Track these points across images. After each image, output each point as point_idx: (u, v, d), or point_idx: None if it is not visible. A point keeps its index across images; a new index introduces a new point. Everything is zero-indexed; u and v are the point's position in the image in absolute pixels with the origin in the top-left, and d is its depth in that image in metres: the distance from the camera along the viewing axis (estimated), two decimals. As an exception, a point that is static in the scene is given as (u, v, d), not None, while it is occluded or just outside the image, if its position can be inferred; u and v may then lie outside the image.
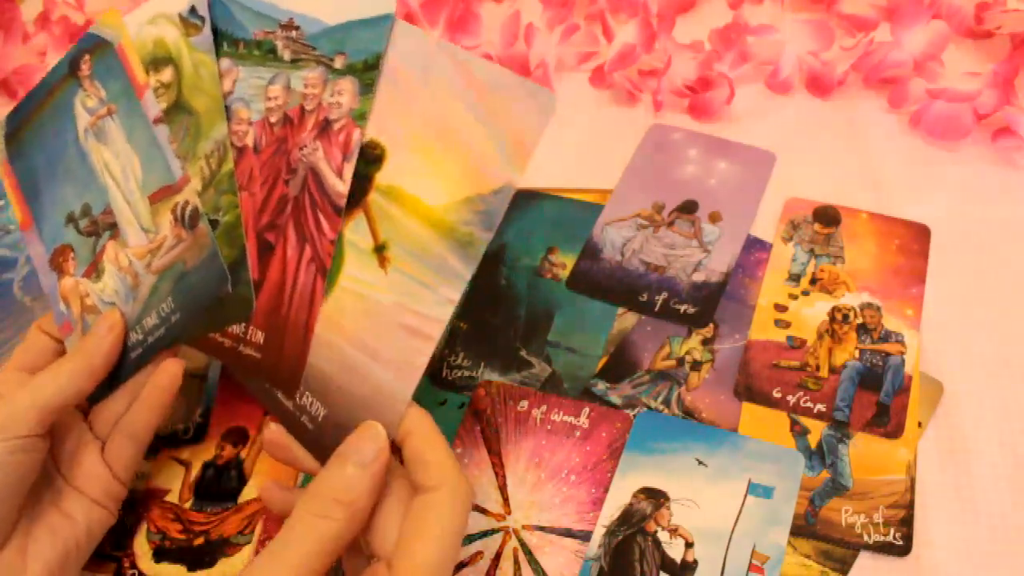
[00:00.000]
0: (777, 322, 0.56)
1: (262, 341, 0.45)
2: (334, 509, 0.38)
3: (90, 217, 0.51)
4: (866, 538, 0.48)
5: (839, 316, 0.56)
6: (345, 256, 0.43)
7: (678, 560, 0.47)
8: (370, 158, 0.43)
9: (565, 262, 0.61)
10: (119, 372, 0.48)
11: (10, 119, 0.55)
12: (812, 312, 0.56)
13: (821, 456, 0.50)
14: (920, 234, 0.59)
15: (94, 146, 0.51)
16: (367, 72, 0.44)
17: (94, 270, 0.50)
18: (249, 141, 0.47)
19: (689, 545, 0.48)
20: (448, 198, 0.41)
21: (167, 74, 0.50)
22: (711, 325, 0.57)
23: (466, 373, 0.56)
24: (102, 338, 0.47)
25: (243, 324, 0.45)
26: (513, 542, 0.49)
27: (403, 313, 0.41)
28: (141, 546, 0.52)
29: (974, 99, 0.62)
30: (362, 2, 0.45)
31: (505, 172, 0.40)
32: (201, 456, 0.55)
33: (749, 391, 0.53)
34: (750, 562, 0.47)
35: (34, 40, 0.83)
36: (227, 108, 0.48)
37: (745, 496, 0.49)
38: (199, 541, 0.52)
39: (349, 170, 0.43)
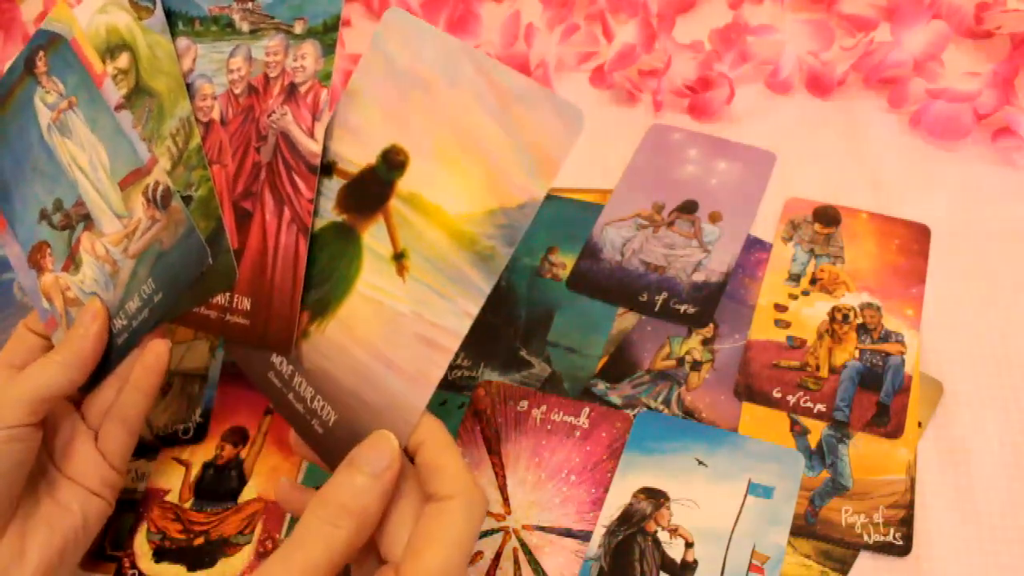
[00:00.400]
0: (777, 322, 0.56)
1: (249, 307, 0.46)
2: (343, 517, 0.37)
3: (62, 211, 0.51)
4: (866, 538, 0.48)
5: (839, 316, 0.56)
6: (363, 261, 0.43)
7: (678, 560, 0.47)
8: (393, 164, 0.42)
9: (565, 262, 0.61)
10: (108, 360, 0.49)
11: None
12: (812, 312, 0.56)
13: (821, 456, 0.50)
14: (920, 234, 0.59)
15: (59, 141, 0.51)
16: (327, 34, 0.46)
17: (72, 262, 0.50)
18: (215, 115, 0.48)
19: (689, 545, 0.48)
20: (470, 209, 0.40)
21: (123, 60, 0.50)
22: (711, 325, 0.57)
23: (466, 373, 0.56)
24: (87, 327, 0.47)
25: (228, 294, 0.46)
26: (513, 542, 0.49)
27: (420, 323, 0.41)
28: (141, 546, 0.52)
29: (974, 99, 0.62)
30: None
31: (530, 187, 0.39)
32: (201, 456, 0.55)
33: (749, 391, 0.53)
34: (750, 562, 0.47)
35: (34, 40, 0.83)
36: (189, 86, 0.48)
37: (745, 496, 0.49)
38: (199, 541, 0.52)
39: (320, 129, 0.44)
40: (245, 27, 0.48)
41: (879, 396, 0.52)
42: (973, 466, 0.50)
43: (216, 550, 0.51)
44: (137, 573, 0.51)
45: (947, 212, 0.60)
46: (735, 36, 0.68)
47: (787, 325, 0.56)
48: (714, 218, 0.62)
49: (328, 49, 0.45)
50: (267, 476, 0.54)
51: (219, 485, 0.54)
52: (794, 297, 0.57)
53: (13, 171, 0.53)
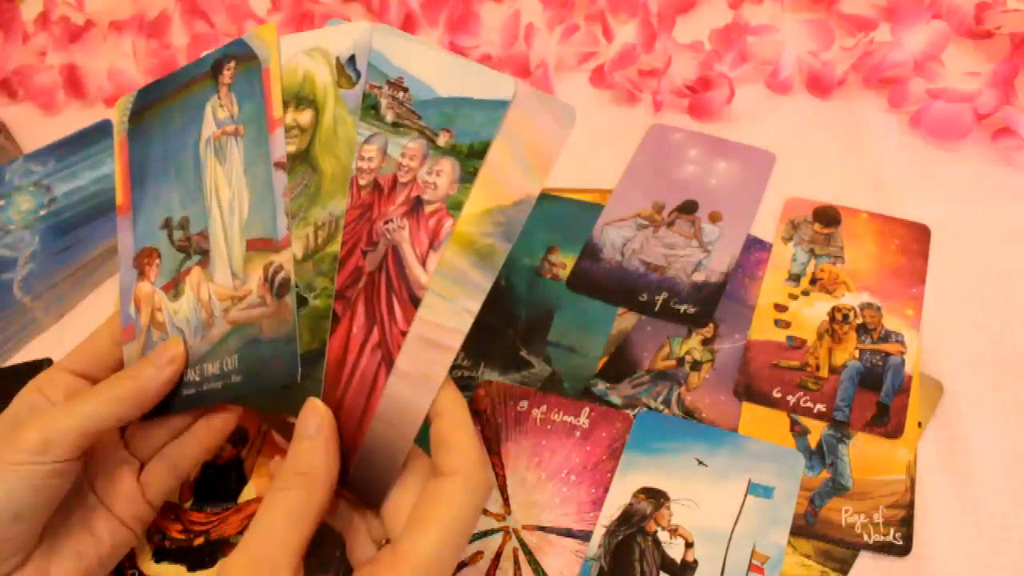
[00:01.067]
0: (777, 322, 0.56)
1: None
2: (294, 480, 0.39)
3: (186, 232, 0.48)
4: (866, 538, 0.48)
5: (839, 316, 0.56)
6: None
7: (678, 560, 0.47)
8: None
9: (565, 262, 0.61)
10: (168, 403, 0.46)
11: (141, 95, 0.52)
12: (812, 312, 0.56)
13: (821, 456, 0.50)
14: (920, 234, 0.59)
15: (211, 161, 0.48)
16: (471, 159, 0.42)
17: (173, 287, 0.48)
18: None
19: (689, 545, 0.48)
20: (468, 210, 0.41)
21: (305, 117, 0.46)
22: (711, 325, 0.57)
23: (466, 373, 0.56)
24: (159, 370, 0.45)
25: None
26: (513, 542, 0.49)
27: (421, 324, 0.41)
28: (141, 546, 0.52)
29: (974, 99, 0.62)
30: (481, 81, 0.43)
31: (525, 184, 0.40)
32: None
33: (749, 391, 0.53)
34: (750, 562, 0.47)
35: (34, 40, 0.83)
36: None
37: (745, 496, 0.49)
38: (199, 541, 0.52)
39: (434, 261, 0.41)
40: (389, 116, 0.44)
41: (879, 396, 0.52)
42: (973, 466, 0.50)
43: (216, 550, 0.51)
44: (137, 573, 0.51)
45: (947, 212, 0.60)
46: (735, 36, 0.68)
47: (787, 325, 0.56)
48: (714, 218, 0.62)
49: (467, 176, 0.42)
50: (267, 476, 0.54)
51: (219, 485, 0.54)
52: (794, 297, 0.57)
53: (159, 163, 0.50)
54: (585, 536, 0.49)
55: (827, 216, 0.61)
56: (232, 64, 0.48)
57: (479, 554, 0.49)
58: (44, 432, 0.41)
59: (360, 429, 0.42)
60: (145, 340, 0.47)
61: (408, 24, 0.77)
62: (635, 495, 0.50)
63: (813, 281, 0.57)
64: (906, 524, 0.48)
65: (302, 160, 0.45)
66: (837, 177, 0.63)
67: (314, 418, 0.41)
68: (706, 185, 0.64)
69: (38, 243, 0.66)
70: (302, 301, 0.43)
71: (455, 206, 0.42)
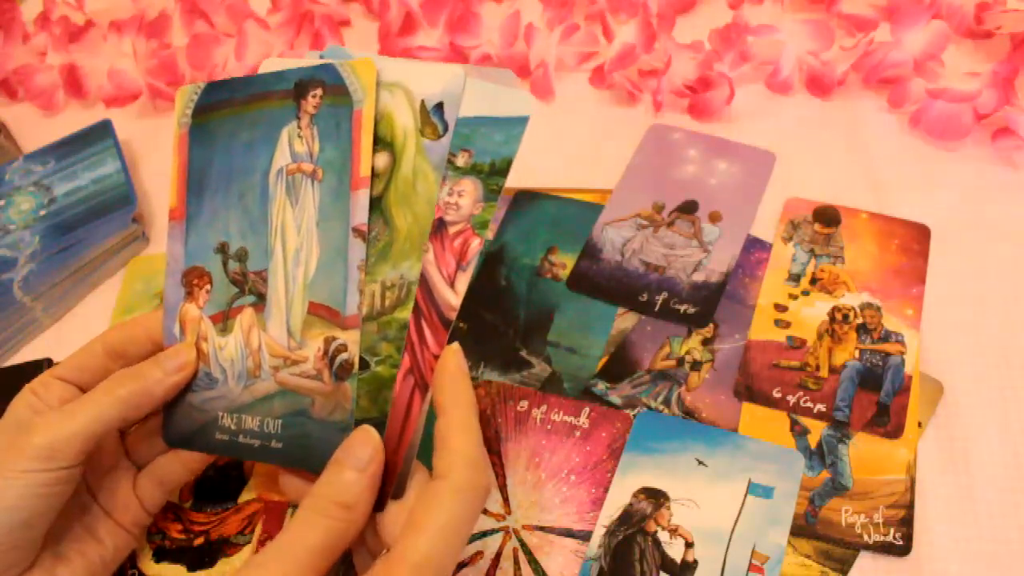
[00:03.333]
0: (777, 322, 0.56)
1: None
2: (334, 511, 0.38)
3: (243, 266, 0.45)
4: (866, 538, 0.48)
5: (839, 316, 0.56)
6: None
7: (678, 560, 0.47)
8: None
9: (565, 262, 0.61)
10: (195, 437, 0.45)
11: (210, 90, 0.47)
12: (812, 312, 0.56)
13: (821, 456, 0.50)
14: (920, 234, 0.59)
15: (280, 197, 0.44)
16: (492, 177, 0.41)
17: (223, 320, 0.45)
18: None
19: (689, 545, 0.48)
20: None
21: (380, 160, 0.42)
22: (711, 325, 0.57)
23: (466, 373, 0.56)
24: (166, 375, 0.44)
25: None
26: (513, 542, 0.49)
27: None
28: (141, 546, 0.52)
29: (974, 99, 0.62)
30: (500, 99, 0.41)
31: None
32: (201, 456, 0.55)
33: (749, 391, 0.53)
34: (750, 562, 0.47)
35: (34, 40, 0.83)
36: None
37: (745, 496, 0.49)
38: (199, 541, 0.52)
39: (463, 282, 0.41)
40: None
41: (879, 396, 0.52)
42: (973, 466, 0.50)
43: (216, 550, 0.51)
44: (137, 573, 0.51)
45: (947, 212, 0.60)
46: (735, 36, 0.68)
47: (787, 325, 0.56)
48: (714, 218, 0.62)
49: (490, 195, 0.41)
50: (267, 476, 0.54)
51: (219, 485, 0.54)
52: (794, 297, 0.57)
53: (221, 177, 0.46)
54: (585, 536, 0.49)
55: (827, 216, 0.61)
56: (319, 92, 0.44)
57: (479, 554, 0.49)
58: (49, 438, 0.40)
59: (397, 455, 0.40)
60: None
61: (408, 24, 0.77)
62: (635, 495, 0.50)
63: (813, 281, 0.57)
64: (906, 524, 0.48)
65: (373, 208, 0.42)
66: (837, 177, 0.63)
67: (366, 450, 0.39)
68: (706, 185, 0.64)
69: (38, 243, 0.66)
70: (363, 364, 0.41)
71: (481, 225, 0.41)
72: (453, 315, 0.40)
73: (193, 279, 0.46)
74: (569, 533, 0.49)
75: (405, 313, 0.41)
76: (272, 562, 0.37)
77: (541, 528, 0.49)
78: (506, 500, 0.51)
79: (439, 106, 0.41)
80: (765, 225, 0.61)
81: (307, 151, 0.44)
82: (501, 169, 0.41)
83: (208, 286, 0.46)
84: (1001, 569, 0.46)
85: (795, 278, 0.58)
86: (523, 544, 0.49)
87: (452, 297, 0.40)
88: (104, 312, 0.65)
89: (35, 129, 0.79)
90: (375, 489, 0.39)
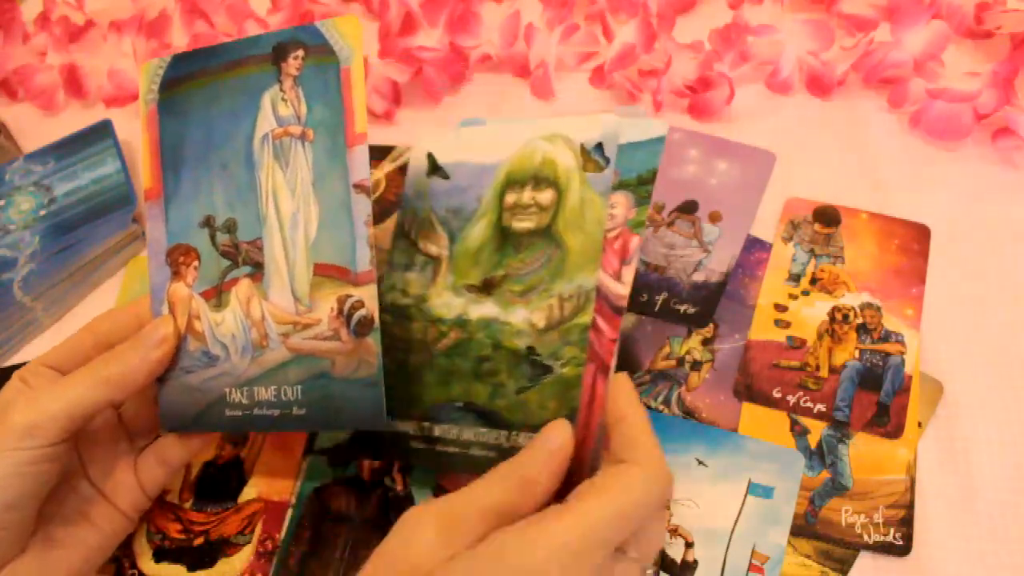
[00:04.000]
0: (777, 322, 0.56)
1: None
2: (516, 480, 0.39)
3: (232, 236, 0.45)
4: (866, 538, 0.48)
5: (839, 316, 0.56)
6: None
7: (678, 560, 0.47)
8: None
9: (565, 262, 0.61)
10: (199, 418, 0.45)
11: (177, 63, 0.47)
12: (812, 312, 0.56)
13: (821, 456, 0.50)
14: (920, 234, 0.59)
15: (268, 163, 0.44)
16: (641, 186, 0.46)
17: (216, 295, 0.45)
18: None
19: (689, 545, 0.47)
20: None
21: (546, 196, 0.47)
22: (711, 325, 0.57)
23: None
24: (147, 351, 0.44)
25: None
26: (513, 542, 0.49)
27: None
28: (141, 546, 0.52)
29: (974, 99, 0.62)
30: (638, 127, 0.47)
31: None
32: (201, 456, 0.55)
33: (749, 391, 0.53)
34: (750, 562, 0.47)
35: (34, 40, 0.83)
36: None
37: (745, 496, 0.49)
38: (199, 541, 0.52)
39: (628, 273, 0.44)
40: None
41: (879, 396, 0.52)
42: (973, 466, 0.50)
43: (216, 550, 0.51)
44: (137, 573, 0.51)
45: (947, 212, 0.60)
46: (735, 36, 0.68)
47: (787, 325, 0.56)
48: (714, 218, 0.62)
49: (641, 200, 0.45)
50: (267, 476, 0.54)
51: (219, 485, 0.54)
52: (794, 297, 0.57)
53: (199, 149, 0.45)
54: (585, 536, 0.49)
55: (827, 216, 0.61)
56: (300, 53, 0.44)
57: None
58: (29, 415, 0.40)
59: (587, 435, 0.42)
60: (180, 348, 0.46)
61: (408, 24, 0.77)
62: (635, 495, 0.50)
63: (813, 281, 0.57)
64: (906, 524, 0.48)
65: (542, 236, 0.46)
66: (837, 177, 0.63)
67: (558, 436, 0.40)
68: (706, 185, 0.64)
69: (38, 243, 0.66)
70: (546, 369, 0.44)
71: (637, 225, 0.45)
72: (623, 303, 0.44)
73: (178, 257, 0.46)
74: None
75: (585, 318, 0.44)
76: (441, 510, 0.37)
77: (541, 528, 0.49)
78: (506, 500, 0.50)
79: (599, 146, 0.47)
80: (765, 225, 0.61)
81: (293, 113, 0.44)
82: (647, 179, 0.46)
83: (196, 262, 0.46)
84: (1001, 569, 0.46)
85: (795, 278, 0.58)
86: (523, 544, 0.49)
87: (620, 288, 0.44)
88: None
89: (35, 129, 0.79)
90: (559, 474, 0.40)
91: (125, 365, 0.43)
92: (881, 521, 0.48)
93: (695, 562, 0.47)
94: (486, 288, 0.48)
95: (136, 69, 0.77)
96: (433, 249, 0.50)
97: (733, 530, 0.48)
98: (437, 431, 0.47)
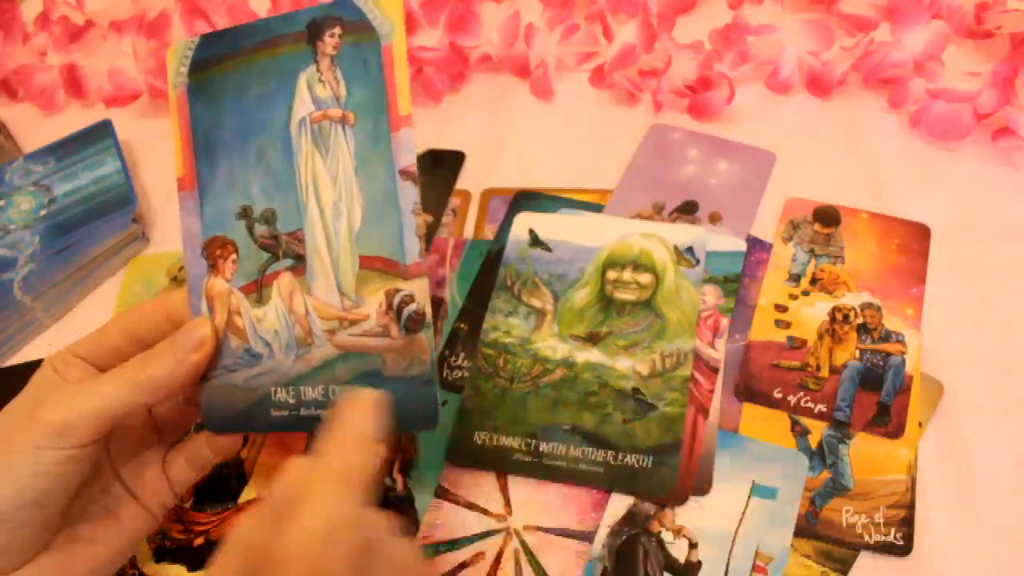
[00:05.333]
0: (777, 322, 0.56)
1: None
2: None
3: (272, 228, 0.43)
4: (867, 538, 0.48)
5: (839, 316, 0.56)
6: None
7: (682, 560, 0.47)
8: None
9: (566, 262, 0.61)
10: (244, 419, 0.43)
11: (206, 43, 0.44)
12: (812, 312, 0.56)
13: (822, 456, 0.50)
14: (920, 234, 0.59)
15: (307, 150, 0.42)
16: (728, 284, 0.56)
17: (256, 290, 0.43)
18: None
19: (693, 545, 0.48)
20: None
21: (645, 278, 0.55)
22: (712, 325, 0.57)
23: (466, 373, 0.56)
24: (185, 354, 0.42)
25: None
26: (514, 543, 0.49)
27: None
28: (141, 546, 0.52)
29: (974, 99, 0.62)
30: (721, 241, 0.57)
31: None
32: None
33: (749, 391, 0.53)
34: (754, 563, 0.47)
35: (34, 40, 0.83)
36: None
37: (749, 497, 0.49)
38: (199, 541, 0.52)
39: (720, 344, 0.54)
40: None
41: (880, 396, 0.52)
42: (973, 466, 0.50)
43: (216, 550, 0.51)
44: (137, 573, 0.51)
45: (947, 212, 0.60)
46: (735, 36, 0.68)
47: (787, 325, 0.56)
48: (714, 218, 0.62)
49: (729, 291, 0.56)
50: (267, 476, 0.54)
51: (219, 485, 0.54)
52: (794, 297, 0.57)
53: (233, 136, 0.43)
54: (586, 537, 0.49)
55: (827, 216, 0.61)
56: (337, 30, 0.42)
57: (480, 555, 0.49)
58: (63, 415, 0.39)
59: (692, 461, 0.50)
60: (221, 345, 0.44)
61: (408, 24, 0.77)
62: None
63: (813, 281, 0.58)
64: (907, 524, 0.48)
65: (644, 307, 0.55)
66: (837, 177, 0.64)
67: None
68: (706, 185, 0.64)
69: (38, 243, 0.66)
70: (651, 407, 0.51)
71: (727, 310, 0.55)
72: (718, 364, 0.53)
73: (215, 250, 0.44)
74: (570, 534, 0.49)
75: (684, 372, 0.52)
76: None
77: (542, 529, 0.49)
78: (507, 500, 0.51)
79: (689, 248, 0.56)
80: (765, 225, 0.61)
81: (332, 95, 0.42)
82: (731, 279, 0.56)
83: (234, 255, 0.43)
84: (1001, 569, 0.46)
85: (795, 278, 0.58)
86: (524, 545, 0.49)
87: (715, 353, 0.54)
88: (104, 312, 0.65)
89: (35, 129, 0.79)
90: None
91: (161, 368, 0.42)
92: (882, 521, 0.48)
93: (699, 563, 0.47)
94: (591, 339, 0.54)
95: (136, 69, 0.77)
96: (537, 303, 0.56)
97: (736, 531, 0.48)
98: (543, 447, 0.51)
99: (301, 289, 0.42)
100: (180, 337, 0.43)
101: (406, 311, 0.41)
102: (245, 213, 0.43)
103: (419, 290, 0.41)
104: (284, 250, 0.42)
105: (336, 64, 0.42)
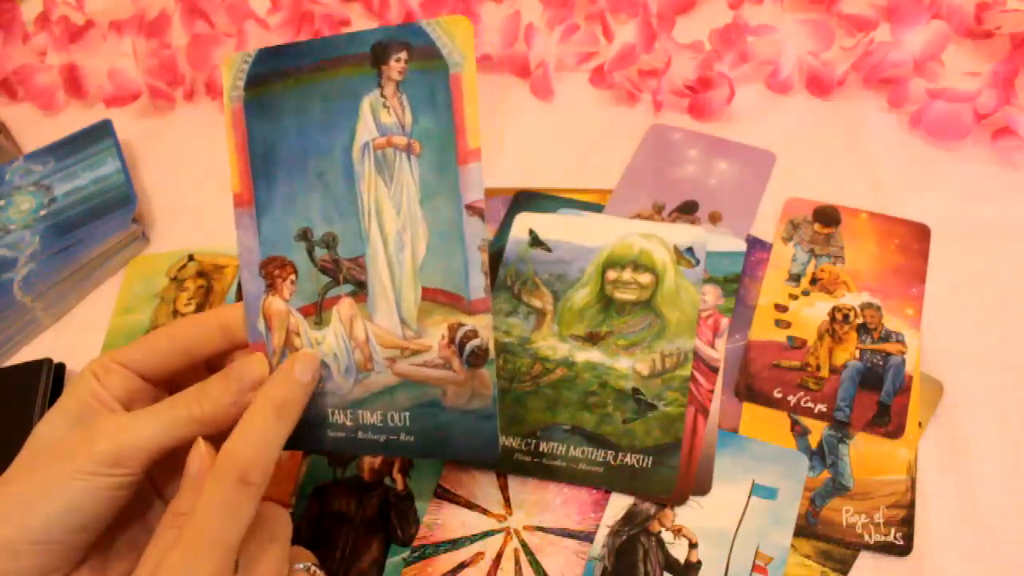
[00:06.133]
0: (777, 322, 0.56)
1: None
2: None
3: (333, 253, 0.42)
4: (867, 538, 0.48)
5: (839, 316, 0.56)
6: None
7: (682, 560, 0.47)
8: None
9: (566, 262, 0.61)
10: (306, 436, 0.43)
11: (263, 57, 0.43)
12: (812, 312, 0.56)
13: (822, 456, 0.50)
14: (920, 234, 0.59)
15: (369, 176, 0.42)
16: (727, 284, 0.56)
17: (316, 312, 0.43)
18: None
19: (693, 545, 0.48)
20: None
21: (645, 278, 0.56)
22: (712, 325, 0.57)
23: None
24: (242, 394, 0.41)
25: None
26: (514, 543, 0.49)
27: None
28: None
29: (974, 99, 0.62)
30: (721, 241, 0.58)
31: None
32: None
33: (749, 391, 0.53)
34: (754, 563, 0.47)
35: (34, 40, 0.83)
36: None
37: (749, 497, 0.49)
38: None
39: (720, 344, 0.54)
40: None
41: (880, 396, 0.52)
42: (973, 466, 0.50)
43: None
44: None
45: (947, 212, 0.60)
46: (735, 36, 0.68)
47: (787, 325, 0.56)
48: (714, 218, 0.62)
49: (729, 292, 0.56)
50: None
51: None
52: (794, 297, 0.57)
53: (294, 157, 0.43)
54: (586, 537, 0.49)
55: (827, 216, 0.61)
56: (404, 55, 0.41)
57: (480, 555, 0.49)
58: (117, 444, 0.39)
59: (691, 462, 0.50)
60: (279, 361, 0.43)
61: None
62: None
63: (813, 281, 0.58)
64: (907, 524, 0.48)
65: (644, 306, 0.55)
66: (837, 177, 0.64)
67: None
68: (706, 185, 0.64)
69: (38, 243, 0.66)
70: (651, 407, 0.51)
71: (726, 310, 0.55)
72: (717, 364, 0.53)
73: (274, 270, 0.44)
74: (570, 534, 0.49)
75: (684, 372, 0.52)
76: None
77: (542, 528, 0.49)
78: (507, 500, 0.51)
79: (690, 249, 0.56)
80: (765, 225, 0.61)
81: (396, 122, 0.41)
82: (731, 279, 0.56)
83: (292, 276, 0.43)
84: (1002, 569, 0.46)
85: (795, 278, 0.58)
86: (524, 545, 0.49)
87: (714, 353, 0.54)
88: (104, 312, 0.65)
89: (35, 129, 0.79)
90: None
91: (217, 405, 0.41)
92: (882, 521, 0.48)
93: (699, 562, 0.47)
94: (591, 339, 0.54)
95: (136, 69, 0.77)
96: (537, 303, 0.56)
97: (737, 531, 0.48)
98: (543, 447, 0.51)
99: (362, 315, 0.42)
100: (236, 374, 0.42)
101: (469, 345, 0.41)
102: (305, 235, 0.43)
103: (483, 326, 0.41)
104: (345, 275, 0.42)
105: (402, 90, 0.41)
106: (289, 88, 0.43)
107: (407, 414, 0.42)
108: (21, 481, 0.39)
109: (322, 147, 0.42)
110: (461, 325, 0.41)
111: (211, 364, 0.47)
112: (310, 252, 0.43)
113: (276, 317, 0.43)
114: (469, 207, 0.40)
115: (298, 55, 0.43)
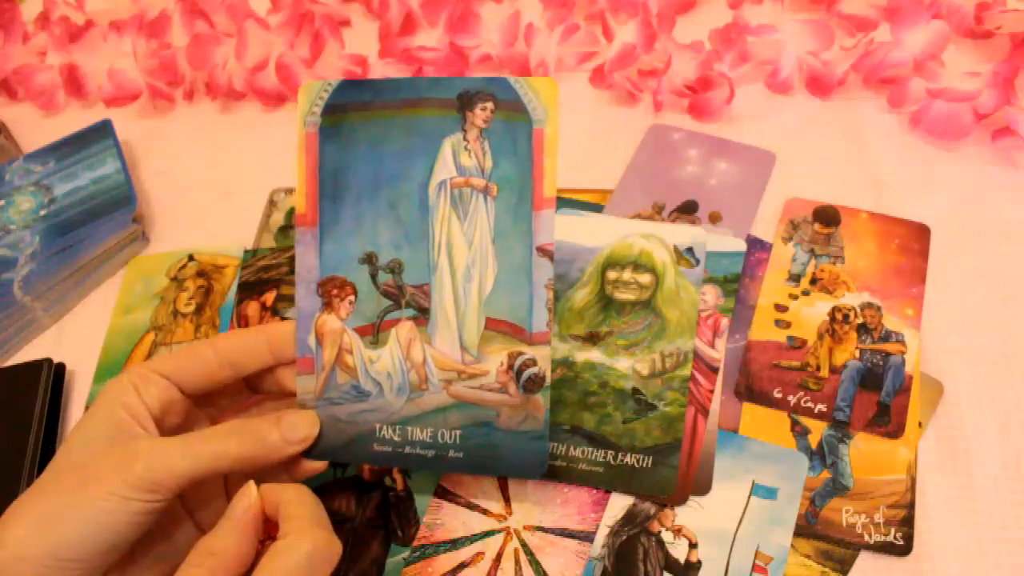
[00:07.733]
0: (777, 322, 0.56)
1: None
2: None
3: (397, 278, 0.45)
4: (867, 538, 0.48)
5: (839, 316, 0.56)
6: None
7: (682, 560, 0.47)
8: None
9: (566, 262, 0.61)
10: (344, 449, 0.44)
11: (344, 88, 0.45)
12: (812, 312, 0.56)
13: (822, 456, 0.50)
14: (920, 234, 0.59)
15: (443, 211, 0.44)
16: (727, 284, 0.56)
17: (373, 333, 0.45)
18: None
19: (693, 545, 0.48)
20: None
21: (645, 278, 0.55)
22: (712, 325, 0.57)
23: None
24: (289, 446, 0.43)
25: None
26: (514, 543, 0.49)
27: None
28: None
29: (974, 99, 0.62)
30: (721, 241, 0.57)
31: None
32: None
33: (749, 391, 0.53)
34: (754, 562, 0.47)
35: (34, 40, 0.83)
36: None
37: (749, 497, 0.49)
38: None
39: (720, 343, 0.54)
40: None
41: (880, 396, 0.52)
42: (973, 466, 0.50)
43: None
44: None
45: (947, 212, 0.60)
46: (735, 36, 0.68)
47: (787, 325, 0.56)
48: (714, 218, 0.62)
49: (729, 292, 0.55)
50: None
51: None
52: (794, 297, 0.57)
53: (365, 184, 0.45)
54: (586, 537, 0.49)
55: (827, 216, 0.61)
56: (490, 105, 0.44)
57: (480, 555, 0.49)
58: (155, 470, 0.39)
59: (691, 462, 0.50)
60: (327, 379, 0.45)
61: (408, 24, 0.77)
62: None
63: (813, 281, 0.58)
64: (907, 524, 0.48)
65: (644, 306, 0.54)
66: (837, 177, 0.64)
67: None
68: (706, 185, 0.64)
69: (38, 243, 0.66)
70: (651, 407, 0.51)
71: (726, 310, 0.55)
72: (717, 364, 0.53)
73: (332, 289, 0.45)
74: (570, 534, 0.49)
75: (684, 372, 0.52)
76: None
77: (542, 528, 0.49)
78: (507, 500, 0.51)
79: (690, 249, 0.55)
80: (765, 225, 0.61)
81: (476, 165, 0.44)
82: (731, 279, 0.56)
83: (351, 297, 0.45)
84: (1001, 569, 0.46)
85: (795, 278, 0.58)
86: (524, 545, 0.49)
87: (714, 353, 0.54)
88: (104, 312, 0.65)
89: (35, 129, 0.79)
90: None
91: (262, 449, 0.42)
92: (882, 521, 0.48)
93: (699, 562, 0.47)
94: (591, 339, 0.54)
95: (136, 69, 0.77)
96: None
97: (737, 531, 0.48)
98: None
99: (421, 339, 0.45)
100: (289, 425, 0.43)
101: (527, 372, 0.44)
102: (369, 259, 0.45)
103: (542, 356, 0.44)
104: (407, 300, 0.45)
105: (485, 136, 0.44)
106: (368, 120, 0.45)
107: (458, 432, 0.44)
108: (54, 496, 0.39)
109: (397, 178, 0.45)
110: (521, 354, 0.44)
111: (250, 381, 0.47)
112: (373, 276, 0.45)
113: (330, 335, 0.45)
114: (540, 249, 0.44)
115: (381, 91, 0.45)
